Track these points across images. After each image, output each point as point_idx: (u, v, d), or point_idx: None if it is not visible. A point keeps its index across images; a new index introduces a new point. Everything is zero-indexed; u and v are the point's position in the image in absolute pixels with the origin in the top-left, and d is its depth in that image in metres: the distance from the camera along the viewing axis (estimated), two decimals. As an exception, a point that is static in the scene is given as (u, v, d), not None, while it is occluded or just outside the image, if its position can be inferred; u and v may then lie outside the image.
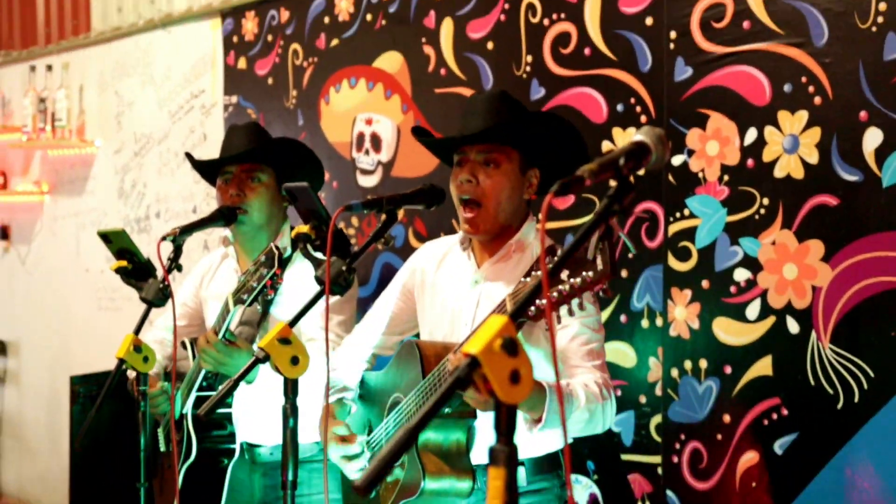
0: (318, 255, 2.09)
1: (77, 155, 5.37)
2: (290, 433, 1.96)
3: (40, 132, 5.33)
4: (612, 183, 1.44)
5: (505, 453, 1.28)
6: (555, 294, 1.73)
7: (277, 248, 2.35)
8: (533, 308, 1.75)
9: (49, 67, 5.36)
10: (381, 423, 2.54)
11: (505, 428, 1.30)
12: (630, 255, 3.07)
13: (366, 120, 3.90)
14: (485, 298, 2.44)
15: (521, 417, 2.32)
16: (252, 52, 4.36)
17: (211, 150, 4.33)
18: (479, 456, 2.37)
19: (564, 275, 1.68)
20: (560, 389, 1.48)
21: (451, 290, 2.55)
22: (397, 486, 2.40)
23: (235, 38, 4.44)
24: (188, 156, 3.14)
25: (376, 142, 3.86)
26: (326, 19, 4.03)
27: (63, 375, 5.11)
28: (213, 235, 4.52)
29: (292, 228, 3.04)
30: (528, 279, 1.82)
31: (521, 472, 2.43)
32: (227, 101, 4.47)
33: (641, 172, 1.52)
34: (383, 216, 2.13)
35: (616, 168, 1.41)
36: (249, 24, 4.36)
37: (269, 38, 4.27)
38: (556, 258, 1.49)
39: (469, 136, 2.42)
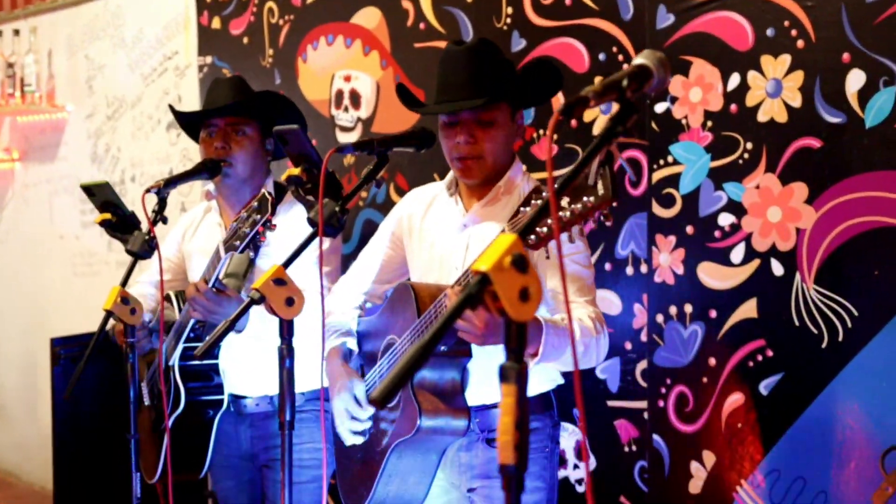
0: (310, 197, 2.08)
1: (48, 120, 5.30)
2: (287, 374, 1.96)
3: (9, 98, 5.26)
4: (615, 106, 1.44)
5: (515, 370, 1.29)
6: (545, 229, 1.74)
7: (270, 193, 2.34)
8: (533, 236, 1.75)
9: (16, 32, 5.27)
10: (374, 366, 2.55)
11: (515, 346, 1.30)
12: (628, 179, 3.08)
13: (344, 77, 3.88)
14: (474, 241, 2.44)
15: None
16: (226, 12, 4.32)
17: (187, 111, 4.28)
18: (472, 397, 2.38)
19: (565, 201, 1.68)
20: (570, 323, 1.49)
21: (439, 234, 2.56)
22: (392, 426, 2.41)
23: (209, -2, 4.39)
24: (171, 108, 3.11)
25: (355, 98, 3.84)
26: (302, -24, 3.99)
27: (39, 341, 5.08)
28: (189, 197, 4.50)
29: (275, 183, 3.04)
30: (527, 208, 1.82)
31: None
32: (202, 61, 4.43)
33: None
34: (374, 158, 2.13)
35: (619, 89, 1.41)
36: (223, -17, 4.32)
37: (244, -4, 4.23)
38: (545, 194, 1.50)
39: (462, 105, 2.39)
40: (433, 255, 2.55)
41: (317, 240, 2.02)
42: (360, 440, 2.52)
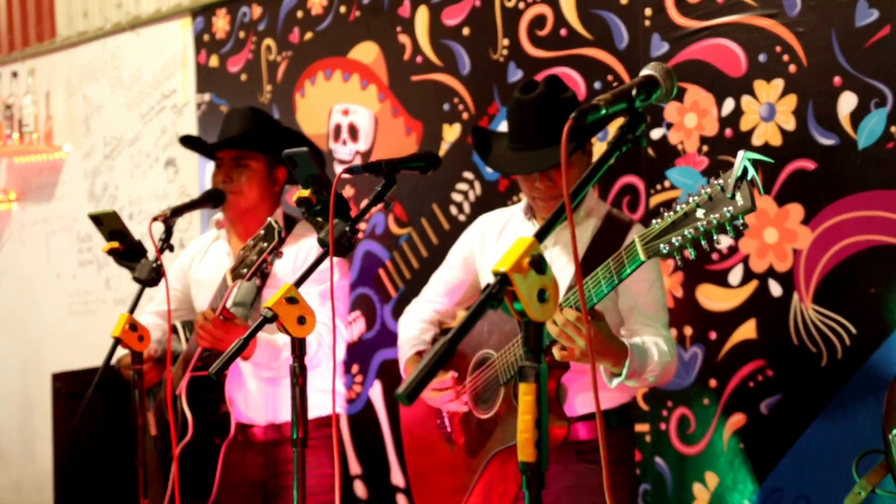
0: (319, 219, 2.11)
1: (45, 161, 5.32)
2: (299, 391, 1.98)
3: (7, 139, 5.28)
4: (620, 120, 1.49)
5: (535, 370, 1.32)
6: (692, 230, 1.85)
7: (276, 222, 2.38)
8: (665, 245, 1.88)
9: (14, 74, 5.31)
10: (463, 381, 2.59)
11: (533, 346, 1.33)
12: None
13: (342, 111, 3.93)
14: (555, 263, 2.49)
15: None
16: (224, 50, 4.38)
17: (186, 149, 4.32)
18: (571, 409, 2.49)
19: (700, 213, 1.82)
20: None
21: None
22: (490, 436, 2.47)
23: (206, 37, 4.45)
24: (182, 139, 3.17)
25: (353, 132, 3.89)
26: (300, 13, 4.05)
27: (36, 380, 5.06)
28: (188, 233, 4.52)
29: (285, 214, 3.08)
30: (660, 220, 1.93)
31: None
32: (200, 99, 4.48)
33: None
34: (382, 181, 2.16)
35: (629, 98, 1.46)
36: (220, 22, 4.38)
37: (242, 34, 4.29)
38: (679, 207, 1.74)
39: (542, 165, 2.44)
40: None
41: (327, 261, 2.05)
42: (460, 402, 2.57)
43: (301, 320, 1.99)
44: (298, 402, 1.98)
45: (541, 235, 1.35)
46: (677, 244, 1.89)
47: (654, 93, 1.49)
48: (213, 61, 4.42)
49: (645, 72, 1.50)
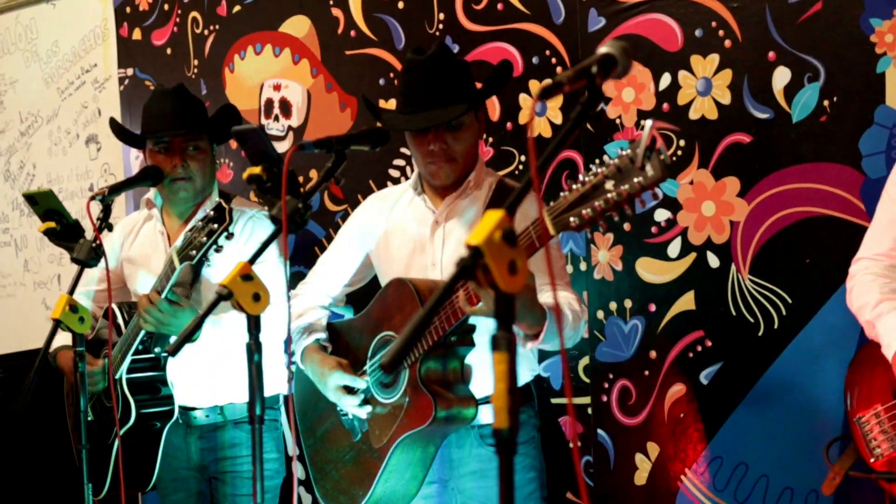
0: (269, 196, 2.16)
1: (-44, 139, 5.22)
2: (256, 368, 2.03)
3: (-87, 116, 5.17)
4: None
5: (507, 339, 1.39)
6: (602, 203, 1.86)
7: (225, 202, 2.42)
8: (574, 218, 1.89)
9: (-80, 48, 5.20)
10: (366, 364, 2.64)
11: (505, 316, 1.41)
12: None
13: (274, 86, 3.95)
14: (449, 234, 2.57)
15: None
16: (147, 23, 4.35)
17: (107, 125, 4.29)
18: (475, 389, 2.52)
19: (610, 184, 1.83)
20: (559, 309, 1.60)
21: (410, 233, 2.67)
22: (396, 421, 2.49)
23: (128, 9, 4.41)
24: (112, 122, 3.16)
25: (286, 107, 3.92)
26: (227, -15, 4.05)
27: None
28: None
29: (220, 191, 3.11)
30: (567, 193, 1.93)
31: None
32: (123, 73, 4.44)
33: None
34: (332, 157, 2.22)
35: (589, 75, 1.54)
36: (143, -6, 4.35)
37: (166, 6, 4.26)
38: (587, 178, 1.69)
39: (438, 122, 2.52)
40: (404, 254, 2.67)
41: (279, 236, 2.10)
42: (368, 409, 2.59)
43: (256, 297, 2.03)
44: (255, 379, 2.03)
45: (511, 208, 1.42)
46: (587, 217, 1.89)
47: (612, 70, 1.57)
48: (136, 34, 4.39)
49: (602, 49, 1.58)
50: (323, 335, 2.77)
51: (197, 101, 3.12)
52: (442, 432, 2.49)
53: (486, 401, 2.53)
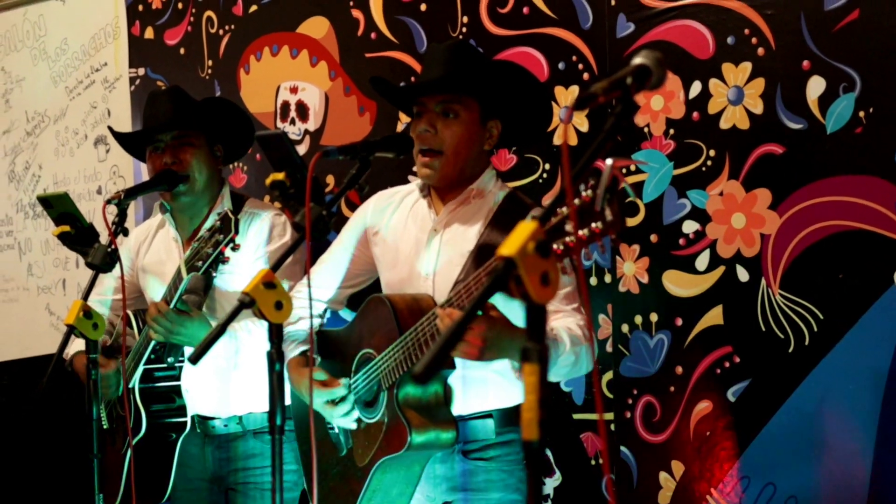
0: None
1: (-41, 138, 5.31)
2: (277, 377, 2.09)
3: (-83, 114, 5.26)
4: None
5: (538, 350, 1.45)
6: (560, 246, 1.86)
7: (232, 212, 2.49)
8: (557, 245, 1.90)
9: (-75, 43, 5.29)
10: (348, 380, 2.69)
11: (536, 328, 1.47)
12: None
13: (290, 88, 4.02)
14: (445, 244, 2.62)
15: (494, 368, 2.52)
16: (160, 22, 4.43)
17: (119, 125, 4.37)
18: (457, 408, 2.55)
19: (569, 227, 1.81)
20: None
21: (409, 237, 2.73)
22: (376, 443, 2.55)
23: (141, 7, 4.50)
24: (111, 130, 3.23)
25: (302, 110, 3.99)
26: (243, -16, 4.14)
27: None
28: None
29: (232, 193, 3.17)
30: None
31: (490, 424, 2.61)
32: (134, 73, 4.53)
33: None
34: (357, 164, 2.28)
35: (624, 87, 1.60)
36: (156, -8, 4.43)
37: (180, 5, 4.34)
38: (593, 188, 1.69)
39: (426, 85, 2.59)
40: (400, 258, 2.73)
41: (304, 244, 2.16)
42: (353, 418, 2.65)
43: (278, 305, 2.10)
44: (276, 388, 2.09)
45: (544, 219, 1.48)
46: (574, 242, 1.74)
47: (647, 81, 1.63)
48: (149, 33, 4.47)
49: (637, 60, 1.64)
50: (306, 347, 2.81)
51: (191, 100, 3.18)
52: (423, 455, 2.54)
53: (465, 418, 2.58)
